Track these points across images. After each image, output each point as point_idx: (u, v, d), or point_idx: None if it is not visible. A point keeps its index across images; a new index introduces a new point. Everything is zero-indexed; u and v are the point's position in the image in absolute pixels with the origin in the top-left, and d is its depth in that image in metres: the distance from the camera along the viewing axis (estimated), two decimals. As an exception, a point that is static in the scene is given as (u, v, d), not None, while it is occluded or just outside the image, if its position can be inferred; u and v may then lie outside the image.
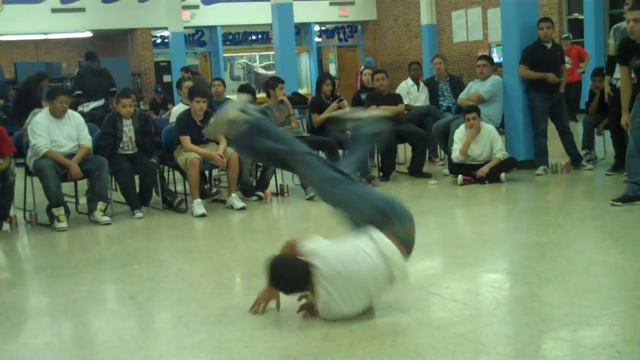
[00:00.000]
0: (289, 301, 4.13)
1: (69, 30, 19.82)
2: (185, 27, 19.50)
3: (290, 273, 3.85)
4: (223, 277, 5.13)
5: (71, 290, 4.93)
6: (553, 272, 4.69)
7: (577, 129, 8.81)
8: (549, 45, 8.45)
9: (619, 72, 7.86)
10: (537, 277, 4.60)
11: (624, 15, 7.22)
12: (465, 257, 5.25)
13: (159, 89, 14.37)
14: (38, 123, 7.10)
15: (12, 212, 7.15)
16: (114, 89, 12.07)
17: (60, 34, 20.16)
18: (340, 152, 8.47)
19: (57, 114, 7.17)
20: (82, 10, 19.69)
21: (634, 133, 6.54)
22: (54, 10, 19.40)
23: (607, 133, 8.69)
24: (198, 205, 7.21)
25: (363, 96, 9.72)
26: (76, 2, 19.61)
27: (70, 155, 7.12)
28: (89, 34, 20.50)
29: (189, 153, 7.34)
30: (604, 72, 8.31)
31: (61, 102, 7.19)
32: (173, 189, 8.03)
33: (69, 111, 7.34)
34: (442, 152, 9.64)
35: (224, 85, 9.62)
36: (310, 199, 7.58)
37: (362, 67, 14.78)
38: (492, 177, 7.95)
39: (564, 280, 4.49)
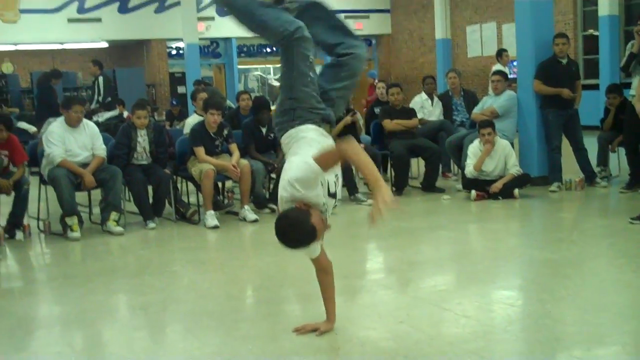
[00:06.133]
0: (302, 316, 4.12)
1: (85, 40, 19.95)
2: (201, 39, 19.56)
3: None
4: (234, 290, 5.12)
5: (83, 299, 4.94)
6: (566, 289, 4.66)
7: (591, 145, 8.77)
8: (564, 61, 8.44)
9: (634, 88, 7.86)
10: (550, 294, 4.57)
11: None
12: (477, 273, 5.22)
13: (174, 102, 14.44)
14: (53, 132, 7.14)
15: (25, 221, 7.18)
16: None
17: (77, 44, 20.29)
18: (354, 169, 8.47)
19: (72, 123, 7.21)
20: (99, 20, 19.82)
21: None
22: (70, 20, 19.52)
23: (622, 150, 8.65)
24: (211, 217, 7.21)
25: (377, 110, 9.73)
26: (92, 12, 19.75)
27: (84, 165, 7.15)
28: (104, 45, 20.63)
29: (203, 164, 7.35)
30: None
31: (76, 111, 7.23)
32: (186, 200, 8.04)
33: (84, 120, 7.39)
34: (456, 167, 9.63)
35: (251, 100, 9.21)
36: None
37: (376, 81, 14.79)
38: (506, 192, 7.91)
39: (577, 298, 4.47)
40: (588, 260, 5.52)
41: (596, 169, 8.69)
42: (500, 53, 14.45)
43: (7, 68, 19.46)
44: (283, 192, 3.57)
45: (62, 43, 20.00)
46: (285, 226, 3.49)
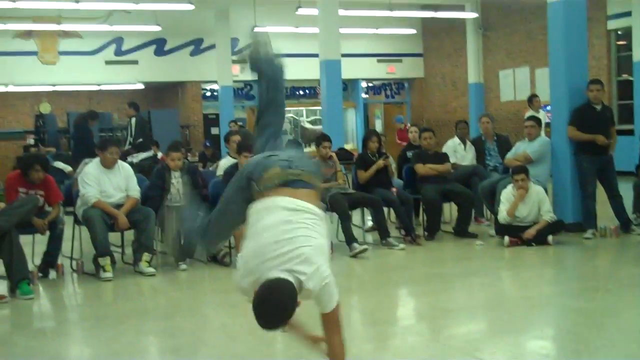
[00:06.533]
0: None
1: (121, 82, 20.28)
2: (235, 81, 19.79)
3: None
4: (265, 333, 5.08)
5: (114, 341, 4.95)
6: (602, 340, 4.58)
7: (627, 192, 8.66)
8: (599, 107, 8.39)
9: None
10: (585, 345, 4.49)
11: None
12: (511, 322, 5.15)
13: (208, 144, 14.58)
14: (88, 173, 7.24)
15: (59, 261, 7.24)
16: None
17: (113, 86, 20.63)
18: (385, 209, 8.45)
19: (108, 165, 7.31)
20: (135, 62, 20.16)
21: None
22: (107, 62, 19.88)
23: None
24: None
25: (409, 154, 9.72)
26: (130, 54, 20.11)
27: (118, 206, 7.22)
28: (140, 86, 20.95)
29: (235, 207, 7.36)
30: None
31: (112, 153, 7.34)
32: (217, 242, 8.05)
33: (119, 162, 7.48)
34: (489, 213, 9.55)
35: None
36: (355, 256, 7.53)
37: (409, 125, 14.85)
38: (539, 239, 7.83)
39: (613, 349, 4.38)
40: (624, 310, 5.42)
41: (631, 216, 8.57)
42: (531, 99, 14.45)
43: (45, 108, 19.79)
44: (306, 269, 3.42)
45: (99, 84, 20.36)
46: (273, 304, 3.37)
